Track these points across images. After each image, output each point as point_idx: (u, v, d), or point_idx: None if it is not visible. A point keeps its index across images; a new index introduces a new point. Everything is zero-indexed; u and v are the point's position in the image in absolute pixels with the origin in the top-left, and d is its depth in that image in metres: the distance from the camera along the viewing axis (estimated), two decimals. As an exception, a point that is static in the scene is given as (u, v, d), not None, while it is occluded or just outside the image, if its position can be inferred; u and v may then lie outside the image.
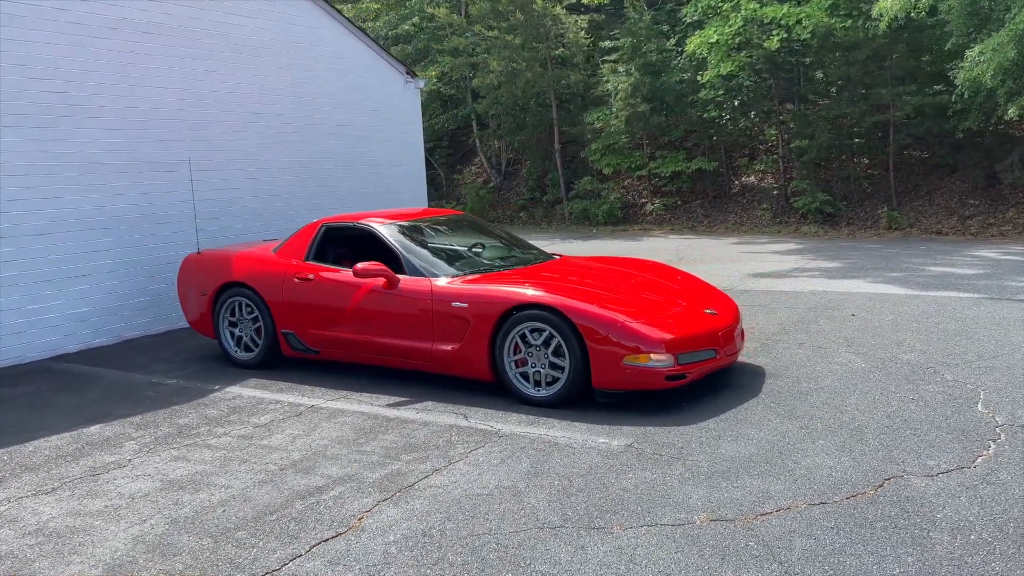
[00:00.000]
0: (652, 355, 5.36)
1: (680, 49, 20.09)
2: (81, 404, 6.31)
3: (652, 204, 20.60)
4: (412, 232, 6.81)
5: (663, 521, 3.87)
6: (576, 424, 5.30)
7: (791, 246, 14.84)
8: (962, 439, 4.73)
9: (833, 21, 16.64)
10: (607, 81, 20.34)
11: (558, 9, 20.51)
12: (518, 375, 5.77)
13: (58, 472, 4.87)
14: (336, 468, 4.73)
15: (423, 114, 24.08)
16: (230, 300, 7.16)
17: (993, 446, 4.62)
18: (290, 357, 7.02)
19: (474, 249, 7.01)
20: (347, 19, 11.25)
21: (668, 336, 5.44)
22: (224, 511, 4.21)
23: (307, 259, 6.88)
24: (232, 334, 7.25)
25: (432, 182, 25.20)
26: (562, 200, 21.78)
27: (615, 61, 20.39)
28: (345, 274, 6.52)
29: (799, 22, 17.04)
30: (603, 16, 22.39)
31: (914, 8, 14.25)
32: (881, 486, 4.15)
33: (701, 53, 18.51)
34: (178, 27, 8.95)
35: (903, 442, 4.72)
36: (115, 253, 8.41)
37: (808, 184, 18.15)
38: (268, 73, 10.05)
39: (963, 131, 16.44)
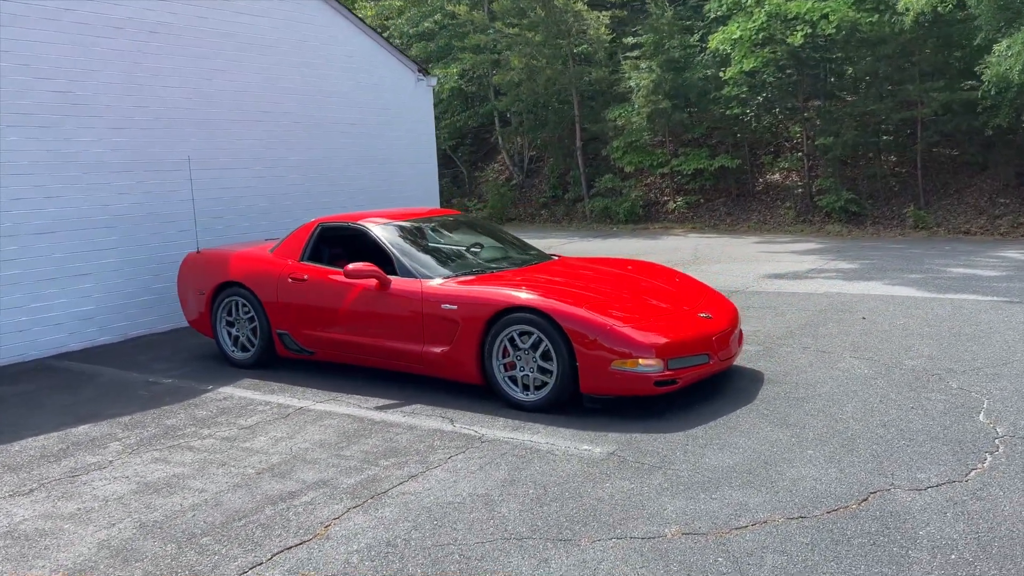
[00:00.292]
0: (641, 360, 5.23)
1: (703, 45, 19.82)
2: (75, 403, 6.33)
3: (674, 202, 20.35)
4: (407, 232, 6.75)
5: (634, 534, 3.76)
6: (561, 430, 5.20)
7: (812, 246, 14.56)
8: (958, 451, 4.55)
9: (859, 16, 16.29)
10: (629, 78, 20.12)
11: (579, 5, 20.32)
12: (507, 379, 5.67)
13: (39, 473, 4.88)
14: (313, 473, 4.68)
15: (445, 112, 24.13)
16: (227, 300, 7.15)
17: (990, 458, 4.44)
18: (285, 357, 6.99)
19: (471, 250, 6.92)
20: (358, 17, 11.21)
21: (658, 340, 5.31)
22: (194, 516, 4.17)
23: (302, 259, 6.84)
24: (229, 334, 7.24)
25: (455, 180, 25.20)
26: (583, 198, 21.62)
27: (637, 57, 20.16)
28: (339, 274, 6.46)
29: (824, 17, 16.70)
30: (625, 12, 22.17)
31: (940, 3, 13.88)
32: (865, 500, 3.99)
33: (724, 49, 18.23)
34: (184, 26, 8.97)
35: (895, 453, 4.56)
36: (120, 251, 8.45)
37: (833, 182, 17.81)
38: (276, 72, 10.04)
39: (993, 128, 16.00)
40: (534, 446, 4.94)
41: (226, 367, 7.21)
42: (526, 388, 5.60)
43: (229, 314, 7.20)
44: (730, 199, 20.04)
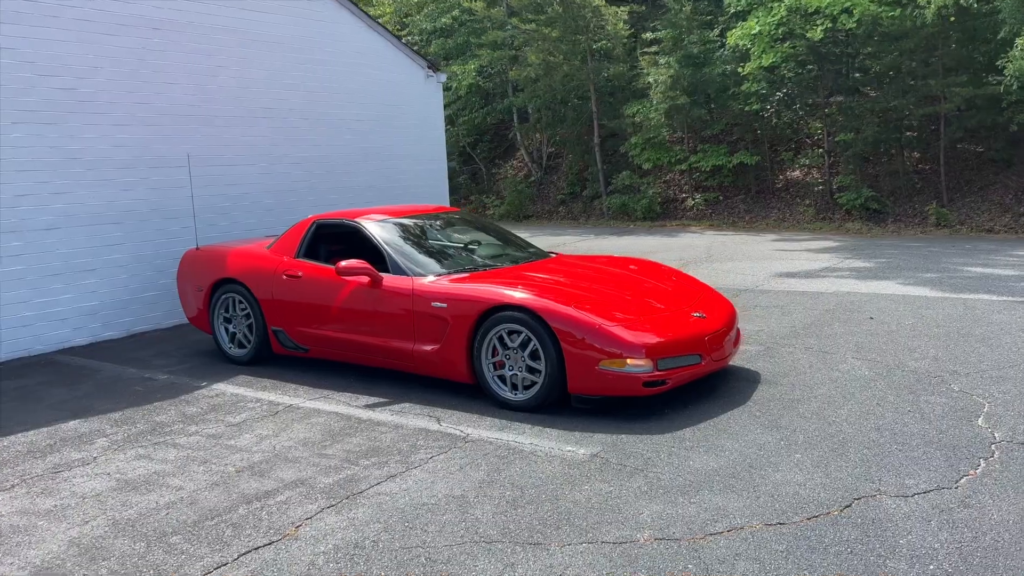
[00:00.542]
0: (629, 360, 5.14)
1: (723, 40, 19.58)
2: (70, 398, 6.36)
3: (693, 199, 20.14)
4: (402, 230, 6.69)
5: (605, 538, 3.67)
6: (548, 430, 5.12)
7: (829, 244, 14.33)
8: (951, 456, 4.42)
9: (880, 10, 15.99)
10: (647, 74, 19.94)
11: (597, 0, 20.16)
12: (496, 378, 5.61)
13: (23, 468, 4.89)
14: (292, 472, 4.64)
15: (463, 109, 24.09)
16: (224, 296, 7.15)
17: (983, 464, 4.30)
18: (281, 354, 6.98)
19: (467, 247, 6.87)
20: (365, 13, 11.18)
21: (647, 340, 5.21)
22: (167, 514, 4.15)
23: (297, 256, 6.82)
24: (227, 330, 7.24)
25: (474, 177, 25.16)
26: (601, 195, 21.47)
27: (655, 53, 19.97)
28: (333, 272, 6.43)
29: (846, 11, 16.42)
30: (644, 7, 21.97)
31: (962, -5, 13.58)
32: (849, 506, 3.88)
33: (744, 45, 18.00)
34: (189, 23, 8.98)
35: (886, 458, 4.43)
36: (125, 248, 8.49)
37: (853, 179, 17.53)
38: (282, 68, 10.05)
39: (1018, 124, 15.64)
40: (518, 447, 4.87)
41: (223, 364, 7.21)
42: (515, 387, 5.53)
43: (226, 311, 7.20)
44: (749, 196, 19.79)
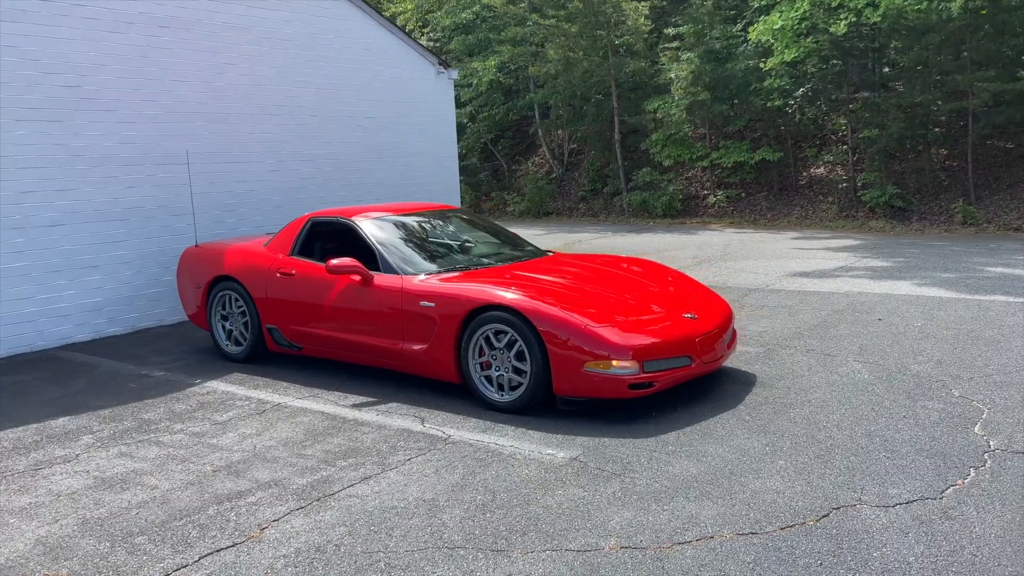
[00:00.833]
0: (615, 362, 5.04)
1: (746, 35, 19.29)
2: (64, 395, 6.39)
3: (715, 196, 19.90)
4: (396, 228, 6.64)
5: (570, 546, 3.59)
6: (531, 433, 5.04)
7: (849, 242, 14.05)
8: (940, 465, 4.27)
9: (906, 3, 15.64)
10: (668, 70, 19.72)
11: (618, -5, 20.00)
12: (483, 378, 5.54)
13: (4, 465, 4.90)
14: (268, 472, 4.61)
15: (484, 105, 24.01)
16: (221, 294, 7.16)
17: (973, 474, 4.14)
18: (276, 352, 6.96)
19: (463, 245, 6.80)
20: (375, 10, 11.14)
21: (634, 341, 5.11)
22: (137, 513, 4.13)
23: (292, 254, 6.80)
24: (223, 328, 7.25)
25: (495, 173, 25.09)
26: (622, 192, 21.29)
27: (677, 48, 19.75)
28: (325, 270, 6.39)
29: (870, 4, 16.09)
30: (665, 2, 21.73)
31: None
32: (825, 516, 3.75)
33: (768, 40, 17.71)
34: (195, 21, 9.01)
35: (872, 466, 4.29)
36: (130, 244, 8.54)
37: (878, 176, 17.19)
38: (291, 65, 10.04)
39: (1049, 120, 15.24)
40: (497, 449, 4.79)
41: (220, 361, 7.22)
42: (501, 388, 5.46)
43: (223, 308, 7.20)
44: (772, 193, 19.51)
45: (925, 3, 15.60)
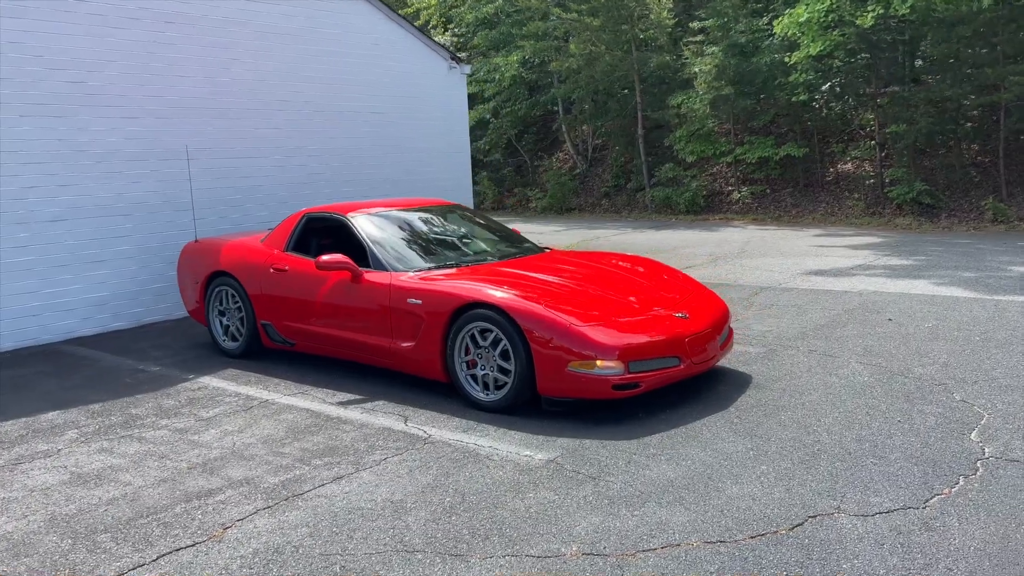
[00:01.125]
0: (599, 362, 4.92)
1: (770, 29, 18.95)
2: (59, 389, 6.42)
3: (739, 192, 19.59)
4: (390, 224, 6.57)
5: (531, 551, 3.49)
6: (512, 433, 4.94)
7: (872, 240, 13.73)
8: (929, 472, 4.10)
9: (935, -5, 15.24)
10: (693, 64, 19.44)
11: (641, -12, 19.75)
12: (469, 377, 5.45)
13: (-14, 459, 4.93)
14: (242, 470, 4.56)
15: (507, 100, 23.88)
16: (218, 289, 7.15)
17: (962, 482, 3.97)
18: (271, 348, 6.94)
19: (457, 242, 6.72)
20: (383, 3, 11.08)
21: (619, 341, 4.99)
22: (106, 511, 4.11)
23: (286, 249, 6.76)
24: (221, 323, 7.24)
25: (519, 169, 24.96)
26: (645, 187, 21.06)
27: (701, 42, 19.46)
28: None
29: (898, -4, 15.69)
30: (690, -4, 21.44)
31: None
32: (800, 525, 3.61)
33: (794, 34, 17.37)
34: (200, 16, 9.02)
35: (858, 472, 4.13)
36: (134, 239, 8.58)
37: (905, 172, 16.78)
38: (297, 60, 10.03)
39: (1083, 114, 14.76)
40: (476, 449, 4.70)
41: (217, 357, 7.21)
42: (487, 387, 5.37)
43: (221, 303, 7.19)
44: (797, 189, 19.16)
45: (955, -6, 15.19)
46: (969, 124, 17.04)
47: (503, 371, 5.26)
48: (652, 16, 19.82)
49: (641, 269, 6.34)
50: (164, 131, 8.76)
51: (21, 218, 7.74)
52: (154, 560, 3.58)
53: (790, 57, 17.46)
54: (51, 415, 5.73)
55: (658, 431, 4.86)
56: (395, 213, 6.78)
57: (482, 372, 5.38)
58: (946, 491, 3.88)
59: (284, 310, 6.59)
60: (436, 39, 24.98)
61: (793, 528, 3.59)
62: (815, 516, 3.69)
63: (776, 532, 3.56)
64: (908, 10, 15.66)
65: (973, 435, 4.57)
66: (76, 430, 5.39)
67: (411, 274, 5.90)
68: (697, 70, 19.13)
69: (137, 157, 8.55)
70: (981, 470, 4.10)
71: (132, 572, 3.49)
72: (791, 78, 17.99)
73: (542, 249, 6.92)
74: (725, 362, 6.21)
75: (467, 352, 5.43)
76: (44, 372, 6.97)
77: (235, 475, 4.50)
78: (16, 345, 7.79)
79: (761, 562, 3.31)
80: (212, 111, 9.16)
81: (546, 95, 23.45)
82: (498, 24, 23.57)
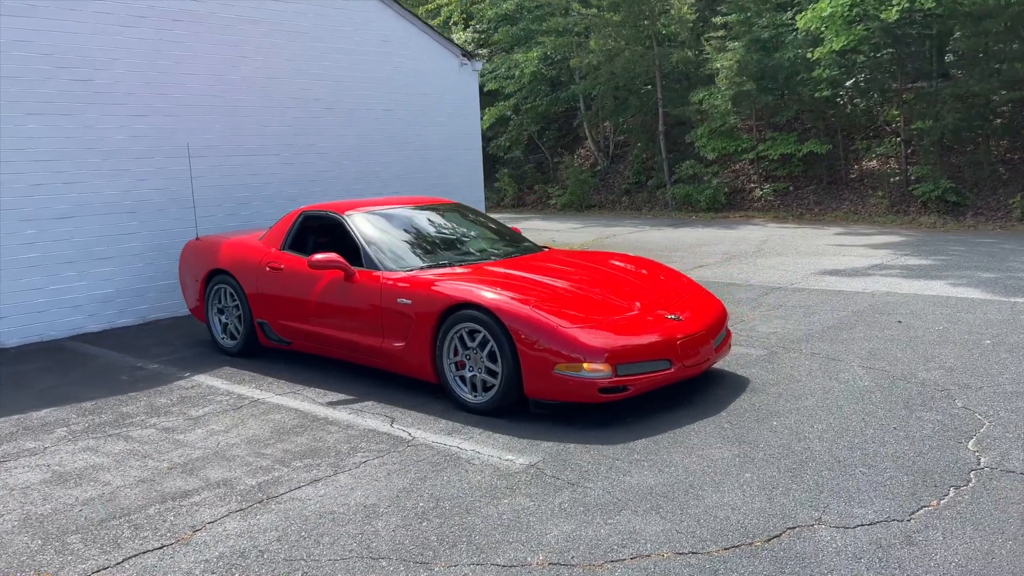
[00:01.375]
0: (586, 364, 4.83)
1: (793, 24, 18.64)
2: (57, 385, 6.45)
3: (761, 189, 19.31)
4: (386, 222, 6.52)
5: (497, 560, 3.41)
6: (497, 436, 4.87)
7: (892, 239, 13.45)
8: (920, 483, 3.95)
9: (962, -12, 14.88)
10: (714, 60, 19.18)
11: (662, -16, 19.52)
12: (457, 378, 5.38)
13: (-27, 457, 4.95)
14: (222, 471, 4.53)
15: (528, 97, 23.76)
16: (216, 287, 7.15)
17: (952, 493, 3.83)
18: (267, 347, 6.92)
19: (453, 241, 6.65)
20: (396, 0, 11.03)
21: (607, 344, 4.89)
22: (80, 511, 4.09)
23: (283, 248, 6.74)
24: (220, 321, 7.24)
25: (539, 166, 24.84)
26: (665, 185, 20.85)
27: (722, 37, 19.20)
28: (312, 265, 6.31)
29: (924, -11, 15.35)
30: (712, -10, 21.15)
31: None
32: (777, 536, 3.50)
33: (817, 29, 17.06)
34: (209, 14, 9.03)
35: (845, 482, 4.00)
36: (140, 236, 8.62)
37: (931, 169, 16.43)
38: (306, 58, 10.01)
39: (1116, 110, 14.33)
40: (458, 453, 4.63)
41: (216, 355, 7.21)
42: (475, 389, 5.30)
43: (219, 301, 7.19)
44: (820, 187, 18.84)
45: (983, -13, 14.82)
46: (998, 120, 16.64)
47: (491, 373, 5.19)
48: (673, 11, 19.59)
49: (638, 270, 6.22)
50: (171, 129, 8.78)
51: (28, 215, 7.80)
52: (118, 563, 3.55)
53: (813, 52, 17.16)
54: (43, 412, 5.76)
55: (645, 436, 4.75)
56: (392, 212, 6.73)
57: (470, 374, 5.31)
58: (934, 503, 3.74)
59: (280, 309, 6.56)
60: (456, 36, 24.97)
61: (769, 540, 3.47)
62: (794, 527, 3.57)
63: (751, 544, 3.45)
64: (934, 4, 15.32)
65: (970, 444, 4.42)
66: (65, 428, 5.40)
67: (403, 274, 5.84)
68: (719, 66, 18.87)
69: (144, 155, 8.58)
70: (973, 481, 3.95)
71: (96, 575, 3.46)
72: (814, 73, 17.68)
73: (540, 248, 6.83)
74: (724, 365, 6.08)
75: (456, 353, 5.37)
76: (44, 368, 7.01)
77: (214, 476, 4.47)
78: (22, 341, 7.85)
79: (733, 574, 3.20)
80: (221, 109, 9.18)
81: (567, 91, 23.30)
82: (519, 20, 23.45)
